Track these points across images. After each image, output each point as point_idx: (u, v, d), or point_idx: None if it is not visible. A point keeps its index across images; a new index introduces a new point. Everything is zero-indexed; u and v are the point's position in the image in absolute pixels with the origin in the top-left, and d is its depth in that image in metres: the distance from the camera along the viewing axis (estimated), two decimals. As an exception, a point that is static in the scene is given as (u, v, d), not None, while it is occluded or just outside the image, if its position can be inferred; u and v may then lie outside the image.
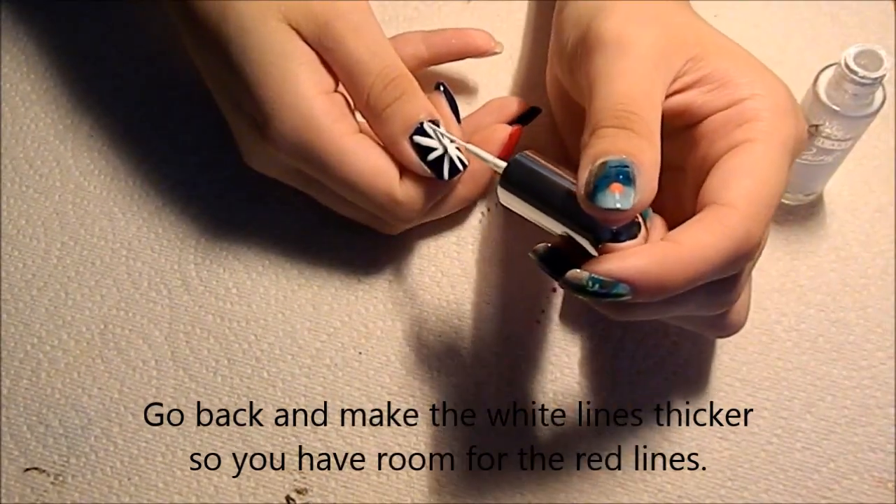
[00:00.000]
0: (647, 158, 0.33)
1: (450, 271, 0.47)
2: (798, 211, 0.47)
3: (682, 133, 0.38)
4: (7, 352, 0.47)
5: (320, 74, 0.41)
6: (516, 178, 0.37)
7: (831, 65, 0.41)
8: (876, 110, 0.40)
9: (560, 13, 0.42)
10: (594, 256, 0.34)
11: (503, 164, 0.37)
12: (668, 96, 0.37)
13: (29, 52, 0.53)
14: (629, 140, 0.33)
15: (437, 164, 0.41)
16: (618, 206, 0.32)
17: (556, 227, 0.36)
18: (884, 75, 0.39)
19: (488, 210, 0.48)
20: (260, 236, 0.48)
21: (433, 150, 0.41)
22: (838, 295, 0.46)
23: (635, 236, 0.35)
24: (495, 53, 0.48)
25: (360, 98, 0.41)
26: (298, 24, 0.40)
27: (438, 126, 0.41)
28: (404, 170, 0.42)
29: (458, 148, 0.41)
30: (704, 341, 0.45)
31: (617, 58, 0.36)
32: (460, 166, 0.42)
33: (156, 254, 0.48)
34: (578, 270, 0.33)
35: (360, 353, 0.46)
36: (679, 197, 0.38)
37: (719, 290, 0.35)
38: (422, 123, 0.41)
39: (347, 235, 0.48)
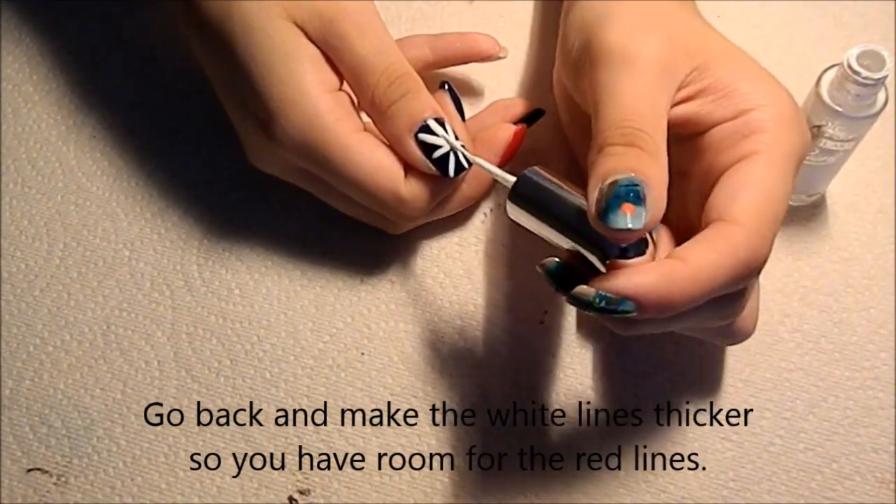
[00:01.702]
0: (655, 175, 0.33)
1: (452, 272, 0.47)
2: (800, 212, 0.47)
3: (687, 140, 0.38)
4: (10, 352, 0.47)
5: (325, 73, 0.41)
6: (525, 193, 0.37)
7: (834, 65, 0.41)
8: (878, 111, 0.40)
9: (566, 16, 0.42)
10: (602, 272, 0.34)
11: (512, 178, 0.37)
12: (672, 106, 0.37)
13: (31, 54, 0.53)
14: (638, 158, 0.33)
15: (442, 162, 0.41)
16: (629, 226, 0.32)
17: (564, 242, 0.36)
18: (886, 76, 0.38)
19: (490, 211, 0.48)
20: (262, 237, 0.48)
21: (438, 147, 0.41)
22: (841, 296, 0.46)
23: (643, 253, 0.35)
24: (500, 58, 0.48)
25: (364, 96, 0.41)
26: (303, 23, 0.41)
27: (443, 124, 0.41)
28: (409, 168, 0.42)
29: (463, 146, 0.42)
30: (707, 343, 0.45)
31: (621, 72, 0.36)
32: (465, 164, 0.42)
33: (158, 254, 0.48)
34: (586, 287, 0.33)
35: (363, 353, 0.46)
36: (683, 203, 0.38)
37: (724, 303, 0.36)
38: (427, 121, 0.41)
39: (350, 236, 0.48)
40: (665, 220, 0.36)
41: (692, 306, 0.33)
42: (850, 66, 0.39)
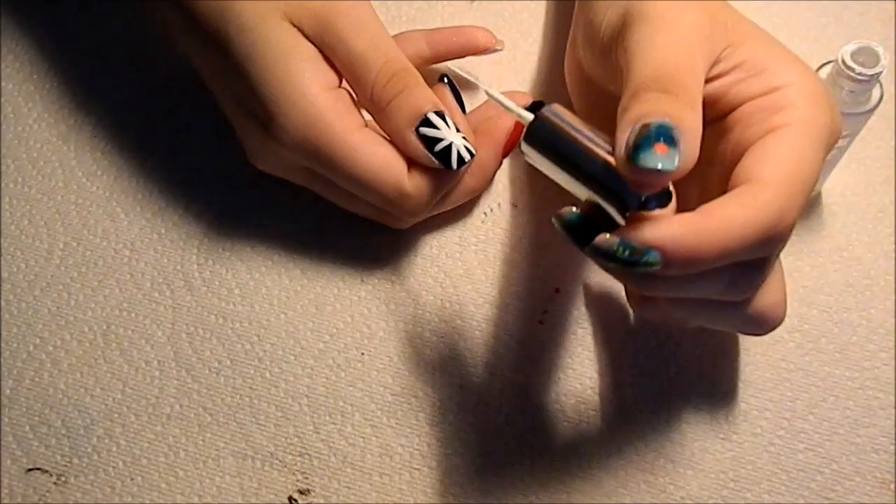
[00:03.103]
0: (689, 122, 0.32)
1: (452, 272, 0.47)
2: (800, 211, 0.47)
3: (714, 124, 0.37)
4: (10, 352, 0.47)
5: (324, 71, 0.41)
6: (542, 134, 0.34)
7: (829, 62, 0.41)
8: (873, 107, 0.40)
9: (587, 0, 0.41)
10: (620, 225, 0.33)
11: (529, 116, 0.35)
12: (706, 81, 0.36)
13: (32, 53, 0.53)
14: (672, 103, 0.32)
15: (444, 155, 0.41)
16: (660, 166, 0.30)
17: (581, 191, 0.34)
18: (881, 72, 0.38)
19: (491, 210, 0.48)
20: (263, 236, 0.48)
21: (440, 140, 0.41)
22: (841, 296, 0.46)
23: (665, 206, 0.34)
24: (496, 51, 0.48)
25: (363, 93, 0.41)
26: (300, 22, 0.41)
27: (444, 117, 0.41)
28: (412, 162, 0.42)
29: (464, 138, 0.42)
30: (706, 342, 0.45)
31: (660, 31, 0.35)
32: (467, 156, 0.42)
33: (158, 254, 0.48)
34: (608, 235, 0.32)
35: (363, 353, 0.46)
36: (706, 190, 0.37)
37: (745, 272, 0.35)
38: (427, 115, 0.41)
39: (350, 236, 0.48)
40: (685, 207, 0.35)
41: (716, 264, 0.32)
42: (844, 63, 0.39)
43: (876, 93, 0.40)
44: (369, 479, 0.44)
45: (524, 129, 0.35)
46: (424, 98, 0.41)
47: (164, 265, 0.48)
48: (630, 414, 0.44)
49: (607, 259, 0.32)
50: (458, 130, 0.41)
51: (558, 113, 0.35)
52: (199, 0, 0.41)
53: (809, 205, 0.48)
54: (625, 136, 0.32)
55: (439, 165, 0.41)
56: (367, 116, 0.43)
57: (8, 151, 0.51)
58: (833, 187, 0.48)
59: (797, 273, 0.46)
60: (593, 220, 0.33)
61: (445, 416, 0.45)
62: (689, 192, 0.34)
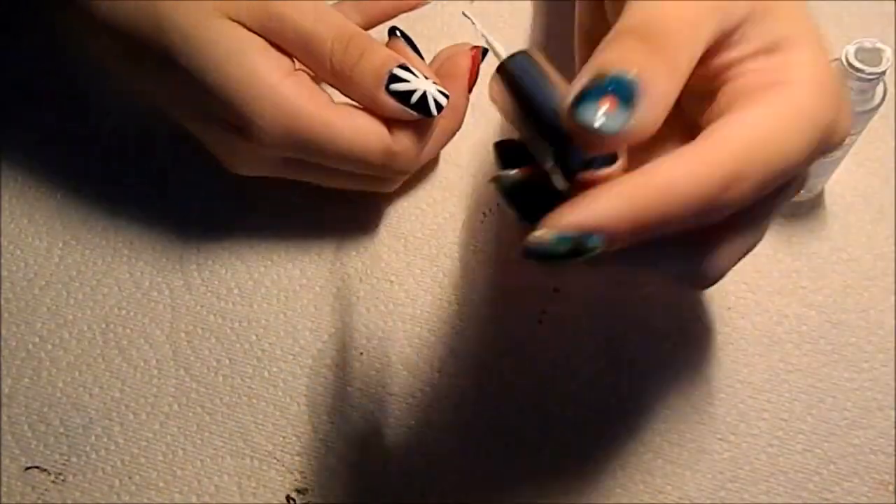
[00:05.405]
0: (658, 83, 0.27)
1: (451, 272, 0.47)
2: (799, 210, 0.47)
3: (708, 95, 0.32)
4: (9, 350, 0.47)
5: (277, 58, 0.40)
6: (512, 72, 0.30)
7: (832, 61, 0.41)
8: (877, 106, 0.40)
9: None
10: (561, 193, 0.28)
11: (505, 54, 0.31)
12: (711, 54, 0.30)
13: (32, 54, 0.53)
14: (646, 57, 0.27)
15: (421, 105, 0.41)
16: (598, 124, 0.25)
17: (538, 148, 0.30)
18: (884, 71, 0.39)
19: (490, 210, 0.48)
20: (262, 236, 0.48)
21: (413, 92, 0.41)
22: (839, 297, 0.46)
23: (611, 164, 0.28)
24: (424, 4, 0.47)
25: (322, 67, 0.41)
26: (238, 16, 0.40)
27: (409, 69, 0.41)
28: (391, 121, 0.42)
29: (435, 82, 0.41)
30: (705, 343, 0.45)
31: None
32: (443, 100, 0.41)
33: (157, 253, 0.48)
34: (540, 234, 0.26)
35: (362, 353, 0.46)
36: None
37: (694, 241, 0.30)
38: (393, 71, 0.40)
39: (350, 236, 0.48)
40: None
41: (665, 228, 0.27)
42: (848, 62, 0.39)
43: (879, 91, 0.40)
44: (367, 479, 0.44)
45: (500, 64, 0.31)
46: (385, 56, 0.41)
47: (164, 264, 0.48)
48: (628, 414, 0.44)
49: (548, 260, 0.27)
50: (426, 78, 0.41)
51: (533, 57, 0.30)
52: (132, 22, 0.40)
53: (812, 207, 0.48)
54: (579, 82, 0.27)
55: (418, 116, 0.41)
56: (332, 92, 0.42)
57: (8, 152, 0.51)
58: (833, 187, 0.48)
59: (795, 274, 0.46)
60: (534, 186, 0.28)
61: (444, 416, 0.45)
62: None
